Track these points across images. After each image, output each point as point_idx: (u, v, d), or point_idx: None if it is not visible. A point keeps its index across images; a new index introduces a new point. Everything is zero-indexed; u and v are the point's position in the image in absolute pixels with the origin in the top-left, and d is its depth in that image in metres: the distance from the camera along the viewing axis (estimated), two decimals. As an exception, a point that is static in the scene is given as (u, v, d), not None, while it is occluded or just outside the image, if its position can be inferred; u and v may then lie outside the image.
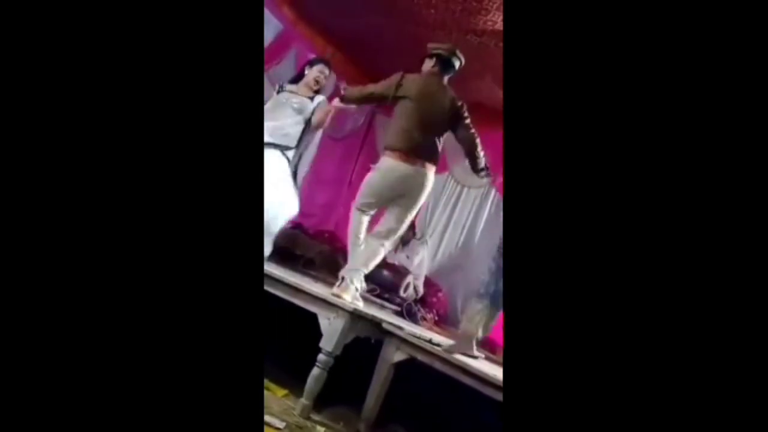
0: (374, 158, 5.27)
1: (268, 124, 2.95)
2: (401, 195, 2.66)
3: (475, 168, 2.84)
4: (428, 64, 2.78)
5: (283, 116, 3.00)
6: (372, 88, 2.81)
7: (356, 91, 2.95)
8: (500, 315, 2.32)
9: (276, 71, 4.51)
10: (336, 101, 3.02)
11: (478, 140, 2.77)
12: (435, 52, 2.77)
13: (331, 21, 4.40)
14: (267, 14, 4.23)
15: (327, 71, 3.12)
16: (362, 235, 2.72)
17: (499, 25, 3.44)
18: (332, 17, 4.31)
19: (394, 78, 2.70)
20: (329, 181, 5.45)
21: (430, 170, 2.67)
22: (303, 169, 3.26)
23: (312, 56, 4.14)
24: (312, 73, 3.09)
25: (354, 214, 2.78)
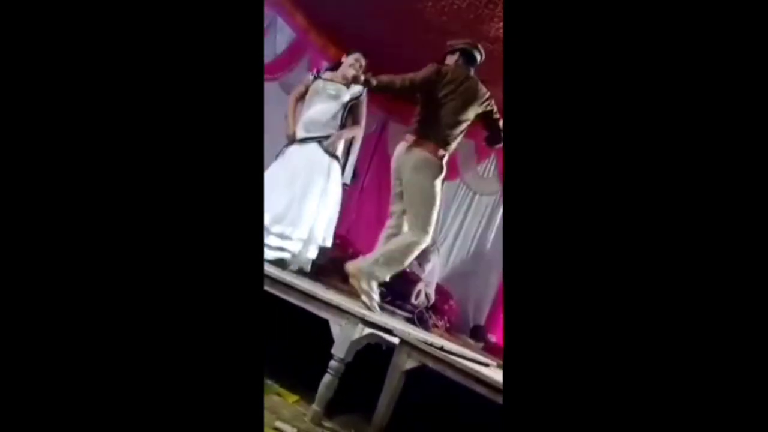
0: (386, 165, 5.31)
1: (303, 117, 3.01)
2: (400, 179, 2.74)
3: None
4: (451, 59, 2.86)
5: (319, 104, 3.03)
6: (411, 76, 2.68)
7: (396, 80, 2.70)
8: None
9: (289, 79, 4.54)
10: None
11: (501, 123, 2.83)
12: (458, 47, 2.86)
13: (343, 29, 4.42)
14: (280, 22, 4.27)
15: (363, 60, 3.13)
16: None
17: (511, 33, 3.44)
18: (345, 25, 4.34)
19: (432, 68, 2.72)
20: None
21: (439, 152, 2.71)
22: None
23: (324, 63, 4.16)
24: (348, 60, 3.12)
25: None
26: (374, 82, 2.64)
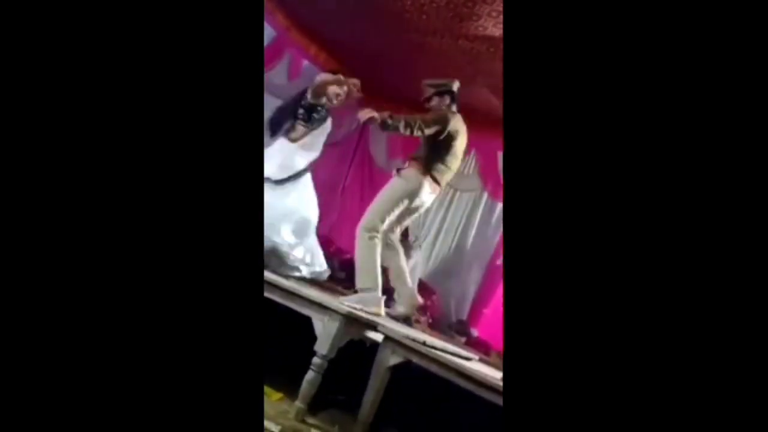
0: (367, 163, 5.30)
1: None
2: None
3: None
4: (442, 102, 2.90)
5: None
6: (420, 122, 2.70)
7: (409, 123, 2.70)
8: None
9: (269, 77, 4.51)
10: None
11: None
12: (444, 89, 2.90)
13: (324, 28, 4.43)
14: (260, 20, 4.26)
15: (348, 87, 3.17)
16: None
17: (490, 31, 3.48)
18: (325, 24, 4.34)
19: (446, 114, 2.81)
20: (322, 186, 5.45)
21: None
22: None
23: (305, 62, 4.17)
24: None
25: None
26: (389, 122, 2.67)
